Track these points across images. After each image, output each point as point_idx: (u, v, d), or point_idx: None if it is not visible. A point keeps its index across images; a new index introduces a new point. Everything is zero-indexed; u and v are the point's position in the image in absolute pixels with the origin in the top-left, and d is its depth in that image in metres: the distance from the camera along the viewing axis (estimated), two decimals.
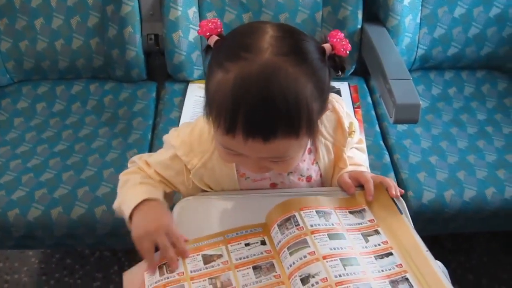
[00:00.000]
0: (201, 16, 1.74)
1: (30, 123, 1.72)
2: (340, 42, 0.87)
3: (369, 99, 1.80)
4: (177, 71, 1.80)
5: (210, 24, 0.88)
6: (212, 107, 0.83)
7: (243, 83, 0.79)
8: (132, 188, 0.99)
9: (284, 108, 0.79)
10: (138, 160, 1.05)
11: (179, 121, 1.69)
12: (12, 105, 1.77)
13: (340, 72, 0.89)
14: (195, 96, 1.77)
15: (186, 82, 1.82)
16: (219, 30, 0.89)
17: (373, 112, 1.76)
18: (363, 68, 1.82)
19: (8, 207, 1.45)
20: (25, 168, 1.55)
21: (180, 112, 1.72)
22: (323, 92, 0.85)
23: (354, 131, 1.05)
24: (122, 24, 1.73)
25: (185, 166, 1.00)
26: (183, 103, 1.75)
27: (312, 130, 0.85)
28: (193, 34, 1.74)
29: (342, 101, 1.07)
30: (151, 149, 1.63)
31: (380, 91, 1.63)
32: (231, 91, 0.79)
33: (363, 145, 1.17)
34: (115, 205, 1.01)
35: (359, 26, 1.78)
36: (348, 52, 0.88)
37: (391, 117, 1.48)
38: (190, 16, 1.73)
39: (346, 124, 1.03)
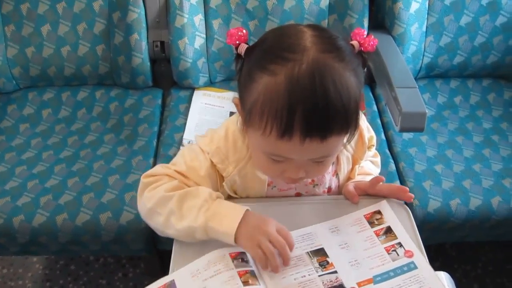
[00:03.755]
0: (207, 23, 1.74)
1: (36, 129, 1.72)
2: (367, 39, 0.88)
3: (374, 107, 1.80)
4: (183, 78, 1.80)
5: (239, 32, 0.88)
6: (261, 112, 0.82)
7: (297, 84, 0.79)
8: (211, 203, 0.94)
9: (339, 104, 0.80)
10: (166, 170, 1.00)
11: (185, 128, 1.69)
12: (18, 111, 1.78)
13: (365, 68, 0.90)
14: (200, 103, 1.78)
15: (192, 89, 1.82)
16: (246, 39, 0.89)
17: (378, 120, 1.76)
18: (369, 76, 1.81)
19: (13, 213, 1.45)
20: (30, 174, 1.56)
21: (186, 119, 1.72)
22: (362, 86, 0.87)
23: (373, 145, 1.08)
24: (128, 31, 1.73)
25: (218, 172, 1.00)
26: (189, 110, 1.75)
27: (357, 124, 0.86)
28: (199, 41, 1.75)
29: (363, 115, 1.08)
30: (156, 156, 1.63)
31: (385, 99, 1.63)
32: (285, 92, 0.79)
33: (378, 159, 1.18)
34: (181, 225, 0.93)
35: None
36: (375, 46, 0.89)
37: (396, 125, 1.48)
38: (196, 24, 1.73)
39: (366, 137, 1.05)
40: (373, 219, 0.98)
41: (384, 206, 1.01)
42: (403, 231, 0.96)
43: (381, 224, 0.98)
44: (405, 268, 0.90)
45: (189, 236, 0.94)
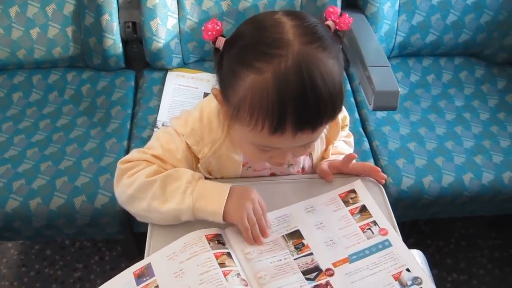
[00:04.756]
0: (179, 3, 1.72)
1: (6, 113, 1.69)
2: (342, 18, 0.88)
3: (348, 86, 1.81)
4: (156, 59, 1.78)
5: (217, 26, 0.86)
6: (251, 111, 0.81)
7: (285, 81, 0.78)
8: (195, 185, 0.95)
9: (328, 95, 0.80)
10: (143, 155, 0.99)
11: (158, 109, 1.68)
12: None
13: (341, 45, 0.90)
14: (174, 84, 1.76)
15: (165, 70, 1.81)
16: (222, 30, 0.87)
17: (352, 99, 1.77)
18: (342, 55, 1.81)
19: None
20: (2, 159, 1.53)
21: (159, 100, 1.71)
22: (343, 70, 0.88)
23: (347, 125, 1.10)
24: (99, 11, 1.70)
25: (193, 154, 1.00)
26: (162, 91, 1.74)
27: (341, 108, 0.87)
28: (171, 22, 1.73)
29: None
30: (130, 138, 1.62)
31: (359, 78, 1.64)
32: (275, 90, 0.78)
33: (351, 139, 1.19)
34: (166, 207, 0.94)
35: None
36: (350, 24, 0.89)
37: (370, 104, 1.49)
38: (168, 4, 1.71)
39: (340, 117, 1.05)
40: (348, 198, 0.99)
41: (358, 185, 1.02)
42: (378, 210, 0.97)
43: (356, 203, 0.99)
44: (380, 246, 0.92)
45: (174, 219, 0.95)
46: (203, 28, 0.86)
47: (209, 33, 0.85)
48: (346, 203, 0.99)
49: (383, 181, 1.03)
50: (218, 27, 0.86)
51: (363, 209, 0.97)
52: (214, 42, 0.86)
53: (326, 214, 0.97)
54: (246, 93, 0.81)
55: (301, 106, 0.79)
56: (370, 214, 0.97)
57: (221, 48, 0.86)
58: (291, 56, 0.78)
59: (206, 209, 0.93)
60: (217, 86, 0.90)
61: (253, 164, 1.03)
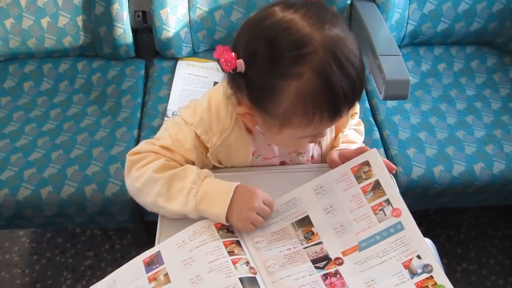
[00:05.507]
0: None
1: (18, 102, 1.70)
2: None
3: None
4: (166, 48, 1.78)
5: (231, 53, 0.84)
6: (305, 111, 0.83)
7: (328, 71, 0.81)
8: (200, 185, 0.95)
9: (361, 63, 0.85)
10: (152, 146, 0.99)
11: (168, 98, 1.68)
12: None
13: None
14: (184, 74, 1.76)
15: (175, 59, 1.81)
16: (235, 55, 0.85)
17: None
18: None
19: None
20: (14, 147, 1.54)
21: (169, 89, 1.71)
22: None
23: (356, 113, 1.10)
24: (109, 1, 1.70)
25: (202, 143, 1.00)
26: (172, 80, 1.74)
27: None
28: (181, 11, 1.72)
29: None
30: (141, 127, 1.63)
31: (369, 67, 1.63)
32: (323, 84, 0.81)
33: (361, 127, 1.19)
34: (170, 207, 0.95)
35: (348, 2, 1.76)
36: None
37: (380, 93, 1.48)
38: None
39: None
40: (361, 172, 0.96)
41: (372, 155, 0.97)
42: (392, 185, 0.94)
43: (369, 178, 0.95)
44: (392, 230, 0.90)
45: (180, 216, 0.96)
46: (221, 61, 0.84)
47: (229, 63, 0.84)
48: (359, 178, 0.95)
49: (394, 171, 1.02)
50: (232, 54, 0.84)
51: (377, 185, 0.94)
52: (234, 68, 0.84)
53: (337, 194, 0.95)
54: (295, 101, 0.83)
55: (349, 85, 0.82)
56: (383, 191, 0.93)
57: (243, 70, 0.84)
58: (319, 47, 0.81)
59: (209, 211, 0.93)
60: (242, 104, 0.91)
61: (262, 153, 1.04)
